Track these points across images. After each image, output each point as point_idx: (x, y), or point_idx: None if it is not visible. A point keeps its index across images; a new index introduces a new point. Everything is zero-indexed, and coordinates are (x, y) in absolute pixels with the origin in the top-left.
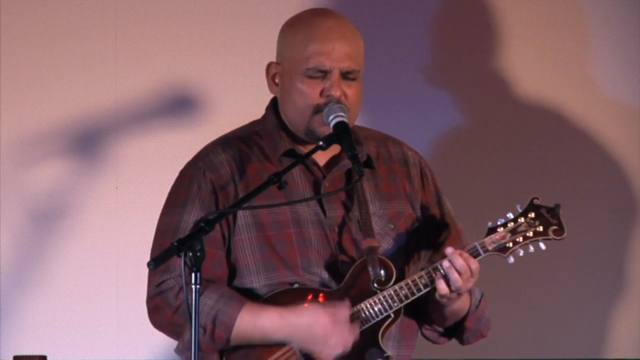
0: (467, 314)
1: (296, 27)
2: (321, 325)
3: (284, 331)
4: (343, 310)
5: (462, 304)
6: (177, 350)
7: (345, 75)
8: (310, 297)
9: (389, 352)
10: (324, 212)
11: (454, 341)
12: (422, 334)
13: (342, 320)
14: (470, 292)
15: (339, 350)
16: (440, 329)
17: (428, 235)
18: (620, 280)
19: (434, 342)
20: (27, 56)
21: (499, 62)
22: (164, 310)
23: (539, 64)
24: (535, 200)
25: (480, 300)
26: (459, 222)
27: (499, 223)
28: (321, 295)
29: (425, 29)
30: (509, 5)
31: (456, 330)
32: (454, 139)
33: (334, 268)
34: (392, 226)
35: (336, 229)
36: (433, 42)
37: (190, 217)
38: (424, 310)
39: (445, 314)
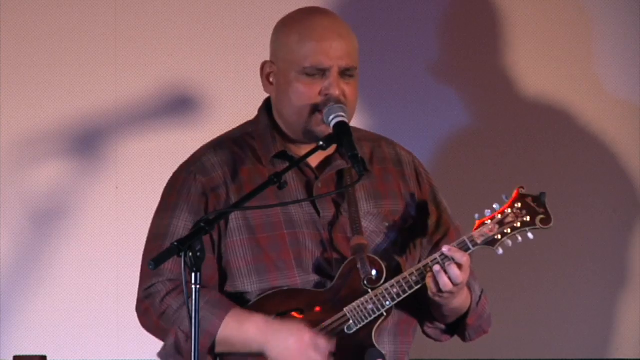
0: (469, 310)
1: (290, 26)
2: (297, 340)
3: (264, 337)
4: (325, 339)
5: (462, 302)
6: (160, 354)
7: (344, 73)
8: (300, 299)
9: (383, 351)
10: (318, 212)
11: (453, 340)
12: (424, 332)
13: (320, 345)
14: (470, 288)
15: None
16: (442, 327)
17: (425, 233)
18: (620, 280)
19: (436, 340)
20: (27, 56)
21: (504, 61)
22: (151, 315)
23: (543, 62)
24: (520, 189)
25: (480, 297)
26: (455, 220)
27: (486, 215)
28: (317, 306)
29: (430, 29)
30: (514, 5)
31: (458, 328)
32: (459, 137)
33: (328, 268)
34: (387, 224)
35: (330, 229)
36: (438, 42)
37: (180, 222)
38: (426, 309)
39: (445, 312)
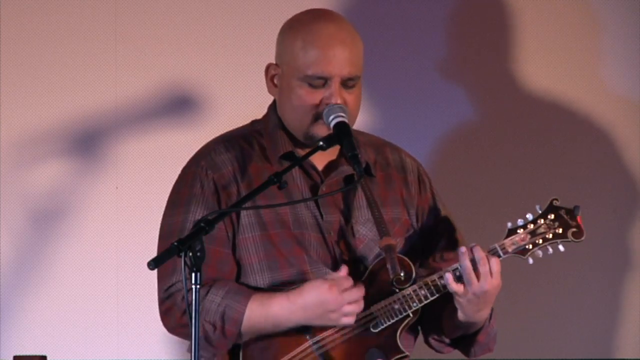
0: (482, 327)
1: (296, 30)
2: (330, 297)
3: (297, 314)
4: (341, 277)
5: (482, 318)
6: (189, 349)
7: (345, 83)
8: None
9: (406, 352)
10: (322, 215)
11: None
12: (427, 343)
13: (345, 285)
14: None
15: (355, 313)
16: (447, 341)
17: (424, 241)
18: (620, 280)
19: (437, 351)
20: (27, 56)
21: (509, 61)
22: (174, 313)
23: (548, 61)
24: (554, 201)
25: (491, 315)
26: (458, 229)
27: (519, 224)
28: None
29: (436, 28)
30: (519, 4)
31: (463, 342)
32: (464, 136)
33: (335, 270)
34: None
35: (332, 233)
36: (443, 41)
37: (195, 217)
38: (434, 320)
39: (462, 325)
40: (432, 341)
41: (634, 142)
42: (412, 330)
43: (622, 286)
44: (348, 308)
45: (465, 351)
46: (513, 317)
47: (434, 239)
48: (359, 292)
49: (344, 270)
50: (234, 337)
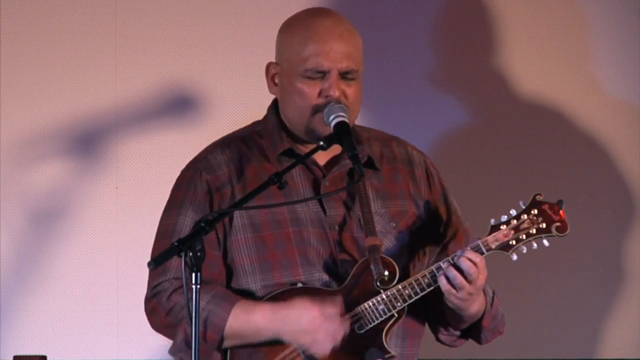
0: (484, 313)
1: (294, 27)
2: (309, 318)
3: (274, 325)
4: (332, 305)
5: (479, 306)
6: (170, 351)
7: (344, 75)
8: (313, 298)
9: (392, 352)
10: (324, 210)
11: None
12: (438, 340)
13: (331, 314)
14: (484, 291)
15: (327, 344)
16: (457, 333)
17: (434, 234)
18: (619, 279)
19: (450, 346)
20: (27, 56)
21: (501, 62)
22: (159, 312)
23: (540, 63)
24: (537, 196)
25: (493, 298)
26: (465, 221)
27: (502, 220)
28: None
29: (427, 30)
30: (510, 6)
31: (472, 331)
32: (457, 138)
33: (334, 267)
34: (394, 225)
35: (336, 228)
36: (435, 43)
37: (186, 219)
38: (440, 315)
39: (464, 318)
40: (442, 337)
41: (632, 143)
42: (418, 330)
43: (622, 286)
44: (321, 336)
45: (477, 339)
46: (512, 318)
47: (444, 231)
48: (340, 326)
49: (338, 299)
50: (215, 343)
